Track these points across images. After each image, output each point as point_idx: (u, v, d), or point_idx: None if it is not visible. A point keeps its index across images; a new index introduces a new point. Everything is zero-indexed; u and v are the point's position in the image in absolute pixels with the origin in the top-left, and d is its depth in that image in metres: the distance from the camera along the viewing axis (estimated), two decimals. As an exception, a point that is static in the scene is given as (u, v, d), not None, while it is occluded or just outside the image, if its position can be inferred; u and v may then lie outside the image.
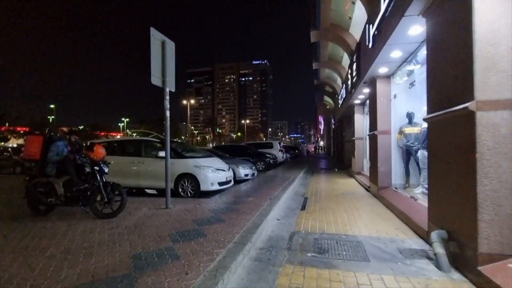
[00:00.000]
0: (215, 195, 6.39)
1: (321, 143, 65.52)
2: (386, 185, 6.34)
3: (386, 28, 4.51)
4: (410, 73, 5.56)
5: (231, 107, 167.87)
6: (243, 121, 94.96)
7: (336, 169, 14.26)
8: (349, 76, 9.03)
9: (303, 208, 5.55)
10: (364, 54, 6.62)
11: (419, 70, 5.21)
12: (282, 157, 17.03)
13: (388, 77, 6.37)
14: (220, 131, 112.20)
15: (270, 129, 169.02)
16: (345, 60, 13.80)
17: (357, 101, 10.00)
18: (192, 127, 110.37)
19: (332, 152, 27.58)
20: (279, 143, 17.64)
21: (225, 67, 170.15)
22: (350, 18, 9.75)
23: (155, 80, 4.57)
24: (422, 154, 5.41)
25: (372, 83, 6.71)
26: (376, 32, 4.83)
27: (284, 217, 4.83)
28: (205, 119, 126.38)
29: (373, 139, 6.72)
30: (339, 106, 13.73)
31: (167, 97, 4.76)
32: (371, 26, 5.30)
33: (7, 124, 45.02)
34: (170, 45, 4.97)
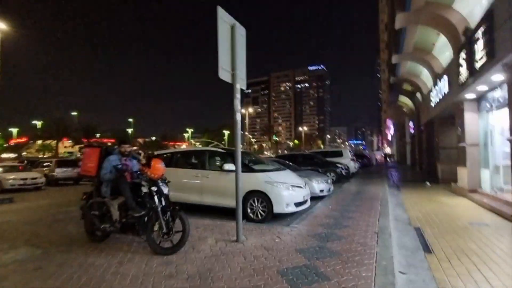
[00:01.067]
0: (293, 220, 5.08)
1: (387, 150, 58.74)
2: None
3: None
4: None
5: (287, 115, 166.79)
6: (300, 128, 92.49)
7: (428, 183, 11.47)
8: (462, 62, 6.77)
9: (427, 249, 3.78)
10: (507, 24, 4.53)
11: None
12: (355, 167, 14.80)
13: (557, 51, 4.17)
14: (277, 139, 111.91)
15: (328, 136, 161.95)
16: (439, 48, 11.13)
17: (470, 96, 7.53)
18: (249, 136, 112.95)
19: (411, 162, 23.61)
20: (350, 151, 15.45)
21: (281, 75, 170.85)
22: (458, -13, 7.47)
23: (224, 74, 3.53)
24: None
25: (522, 64, 4.54)
26: None
27: (408, 266, 3.18)
28: (262, 127, 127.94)
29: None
30: (432, 105, 11.06)
31: (238, 96, 3.69)
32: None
33: (98, 135, 51.83)
34: (241, 31, 3.93)
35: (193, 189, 6.23)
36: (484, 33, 5.38)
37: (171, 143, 64.13)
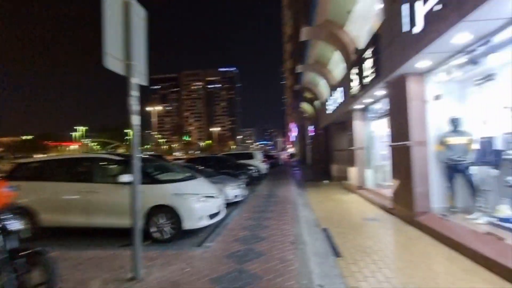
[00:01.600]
0: (206, 236, 4.54)
1: (291, 150, 65.63)
2: (424, 209, 5.02)
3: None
4: (461, 67, 4.33)
5: (199, 115, 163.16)
6: (212, 129, 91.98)
7: (326, 181, 13.03)
8: (354, 77, 7.82)
9: (336, 252, 3.94)
10: (389, 47, 5.35)
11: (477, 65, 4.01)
12: (265, 169, 15.43)
13: (421, 75, 5.14)
14: (188, 138, 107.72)
15: (239, 137, 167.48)
16: (334, 63, 12.79)
17: (358, 106, 8.83)
18: (158, 135, 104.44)
19: (311, 161, 26.71)
20: (261, 153, 16.04)
21: (191, 73, 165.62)
22: (348, 12, 8.61)
23: (112, 62, 2.65)
24: (486, 171, 4.15)
25: (398, 83, 5.43)
26: (440, 7, 3.51)
27: (324, 277, 3.15)
28: (171, 127, 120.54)
29: (402, 152, 5.40)
30: (328, 112, 12.62)
31: (135, 93, 2.87)
32: (417, 3, 3.98)
33: None
34: (139, 12, 3.11)
35: (77, 208, 4.85)
36: (372, 54, 6.26)
37: (53, 144, 52.32)
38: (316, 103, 20.02)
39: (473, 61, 3.90)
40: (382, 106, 7.36)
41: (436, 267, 3.36)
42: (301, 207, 6.96)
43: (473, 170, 4.46)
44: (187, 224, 4.55)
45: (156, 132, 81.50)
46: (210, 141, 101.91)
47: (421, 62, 4.62)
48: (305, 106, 24.82)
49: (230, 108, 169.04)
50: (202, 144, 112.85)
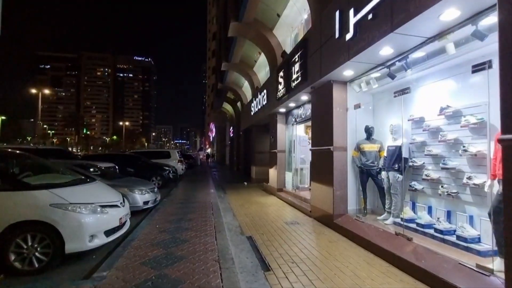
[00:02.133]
0: (101, 258, 3.42)
1: (209, 151, 64.62)
2: (341, 211, 5.25)
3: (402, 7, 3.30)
4: (376, 81, 4.69)
5: (104, 106, 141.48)
6: (120, 123, 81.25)
7: (246, 183, 12.94)
8: (281, 80, 7.84)
9: (265, 265, 3.55)
10: (317, 53, 5.43)
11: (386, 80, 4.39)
12: (182, 169, 14.20)
13: (345, 83, 5.40)
14: (88, 132, 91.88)
15: (153, 134, 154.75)
16: (259, 65, 12.87)
17: (282, 109, 8.96)
18: (44, 126, 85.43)
19: (230, 162, 26.54)
20: (178, 152, 14.71)
21: (96, 56, 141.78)
22: (279, 15, 8.67)
23: None
24: (393, 176, 4.56)
25: (324, 89, 5.58)
26: (370, 17, 3.59)
27: (255, 301, 2.66)
28: (66, 117, 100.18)
29: (324, 156, 5.56)
30: (251, 114, 12.59)
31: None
32: (352, 11, 4.06)
33: None
34: None
35: None
36: (299, 58, 6.31)
37: None
38: (239, 104, 19.98)
39: (391, 75, 4.22)
40: (304, 111, 7.61)
41: (360, 272, 3.36)
42: (223, 213, 6.40)
43: (383, 175, 4.88)
44: (72, 247, 3.31)
45: (41, 122, 66.33)
46: (116, 137, 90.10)
47: (348, 71, 4.79)
48: (227, 107, 24.55)
49: (144, 101, 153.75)
50: (107, 139, 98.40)
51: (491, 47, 3.03)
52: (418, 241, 3.60)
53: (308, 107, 7.38)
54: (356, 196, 5.43)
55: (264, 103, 10.18)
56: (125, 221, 4.31)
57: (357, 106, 5.10)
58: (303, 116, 7.82)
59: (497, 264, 2.65)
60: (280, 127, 9.46)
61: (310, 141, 9.48)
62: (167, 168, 11.48)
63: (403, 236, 3.77)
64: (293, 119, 8.63)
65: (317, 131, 6.07)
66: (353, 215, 5.13)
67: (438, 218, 3.73)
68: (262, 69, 13.10)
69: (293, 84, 6.75)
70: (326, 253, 4.01)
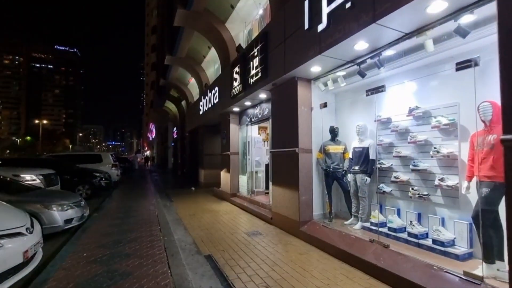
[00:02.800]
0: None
1: (148, 153, 59.76)
2: (307, 218, 4.91)
3: None
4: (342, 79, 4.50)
5: (14, 100, 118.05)
6: (36, 121, 68.60)
7: (193, 188, 11.90)
8: (235, 76, 7.21)
9: (235, 295, 2.87)
10: (281, 46, 4.99)
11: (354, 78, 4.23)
12: (117, 175, 12.28)
13: (309, 81, 5.10)
14: (-11, 132, 75.22)
15: (80, 134, 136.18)
16: (208, 61, 12.00)
17: (236, 109, 8.33)
18: None
19: (173, 166, 24.59)
20: (112, 155, 12.69)
21: (2, 42, 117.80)
22: (233, 7, 8.05)
23: None
24: (361, 179, 4.40)
25: (288, 87, 5.19)
26: (348, 5, 3.27)
27: None
28: (-44, 113, 79.76)
29: (287, 159, 5.15)
30: (200, 113, 11.61)
31: None
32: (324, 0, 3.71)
33: None
34: None
35: None
36: (259, 52, 5.80)
37: None
38: (184, 103, 18.62)
39: (361, 73, 4.03)
40: (261, 110, 7.15)
41: (343, 290, 2.98)
42: (172, 227, 5.43)
43: (349, 177, 4.71)
44: None
45: None
46: (30, 138, 76.29)
47: (316, 67, 4.47)
48: (170, 106, 22.74)
49: (67, 97, 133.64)
50: (17, 140, 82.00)
51: (470, 45, 2.99)
52: (394, 247, 3.41)
53: (265, 106, 6.95)
54: (321, 201, 5.17)
55: (215, 102, 9.40)
56: (34, 254, 3.10)
57: (323, 106, 4.84)
58: (259, 116, 7.35)
59: (486, 270, 2.54)
60: (233, 127, 8.82)
61: (267, 143, 9.14)
62: (97, 174, 9.66)
63: (378, 243, 3.55)
64: (248, 119, 8.10)
65: (278, 131, 5.64)
66: (319, 221, 4.84)
67: (411, 222, 3.63)
68: (211, 66, 12.27)
69: (251, 81, 6.21)
70: (300, 268, 3.54)
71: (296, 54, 4.57)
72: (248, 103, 7.48)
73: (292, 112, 5.06)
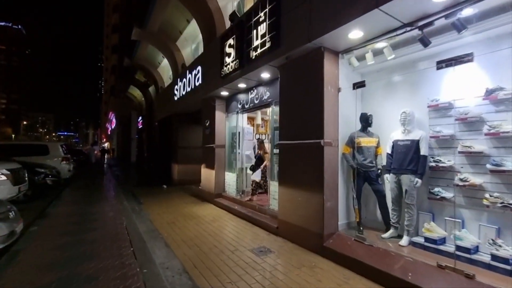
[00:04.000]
0: None
1: (106, 145, 54.73)
2: (332, 229, 3.83)
3: None
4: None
5: None
6: (-33, 106, 58.46)
7: (165, 186, 10.26)
8: (227, 51, 5.82)
9: None
10: (306, 4, 3.77)
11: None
12: (69, 170, 10.07)
13: (337, 54, 3.97)
14: None
15: (25, 123, 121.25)
16: (186, 38, 10.29)
17: (224, 92, 6.93)
18: None
19: (137, 159, 22.11)
20: (62, 146, 10.38)
21: None
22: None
23: None
24: (409, 181, 3.41)
25: (309, 60, 4.01)
26: None
27: None
28: None
29: (307, 154, 4.00)
30: (175, 99, 9.91)
31: None
32: None
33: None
34: None
35: None
36: (269, 15, 4.51)
37: None
38: (152, 89, 16.50)
39: (424, 40, 2.99)
40: (258, 95, 5.89)
41: None
42: (149, 244, 3.99)
43: (388, 178, 3.71)
44: None
45: None
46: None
47: (356, 31, 3.33)
48: (135, 92, 20.24)
49: (9, 80, 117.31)
50: None
51: None
52: (482, 278, 2.47)
53: (264, 90, 5.71)
54: (345, 207, 4.13)
55: (196, 84, 7.87)
56: None
57: (357, 86, 3.74)
58: (255, 102, 6.08)
59: None
60: (219, 115, 7.42)
61: (261, 135, 7.92)
62: (41, 170, 7.59)
63: (456, 272, 2.58)
64: (239, 106, 6.78)
65: (289, 119, 4.44)
66: (347, 233, 3.79)
67: (494, 240, 2.71)
68: (188, 45, 10.58)
69: (254, 54, 4.90)
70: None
71: (331, 14, 3.38)
72: (242, 85, 6.15)
73: (314, 94, 3.90)
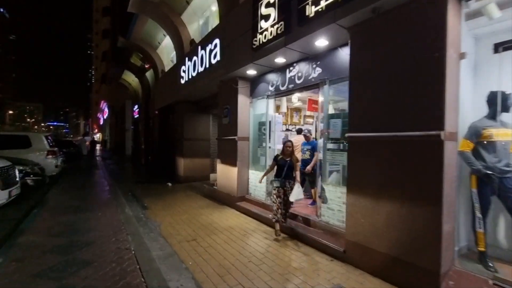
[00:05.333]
0: None
1: (97, 136, 52.65)
2: (448, 264, 2.58)
3: None
4: None
5: None
6: None
7: (169, 184, 8.91)
8: (263, 12, 4.41)
9: None
10: None
11: None
12: (56, 166, 8.55)
13: (459, 1, 2.63)
14: None
15: (10, 112, 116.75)
16: (194, 11, 8.73)
17: (250, 72, 5.52)
18: None
19: (133, 152, 20.53)
20: (47, 137, 8.83)
21: None
22: None
23: None
24: None
25: (415, 11, 2.67)
26: None
27: None
28: None
29: (410, 153, 2.69)
30: (182, 83, 8.43)
31: None
32: None
33: None
34: None
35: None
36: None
37: None
38: (149, 74, 14.87)
39: None
40: (301, 72, 4.51)
41: None
42: (169, 282, 2.67)
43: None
44: None
45: None
46: None
47: None
48: (129, 78, 18.52)
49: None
50: None
51: None
52: None
53: (309, 66, 4.36)
54: (460, 228, 2.87)
55: (212, 62, 6.41)
56: None
57: (506, 47, 2.41)
58: (297, 82, 4.72)
59: None
60: (243, 101, 6.03)
61: (292, 127, 6.58)
62: (20, 167, 6.12)
63: None
64: (270, 88, 5.40)
65: (373, 100, 3.10)
66: (467, 268, 2.55)
67: None
68: (195, 19, 9.04)
69: (315, 9, 3.49)
70: None
71: None
72: (280, 60, 4.75)
73: (425, 62, 2.57)
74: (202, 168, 9.55)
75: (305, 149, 5.33)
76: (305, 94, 6.58)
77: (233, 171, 6.07)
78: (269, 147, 5.54)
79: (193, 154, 9.35)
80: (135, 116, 18.86)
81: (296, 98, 7.03)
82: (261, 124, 5.78)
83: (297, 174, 4.19)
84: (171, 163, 10.39)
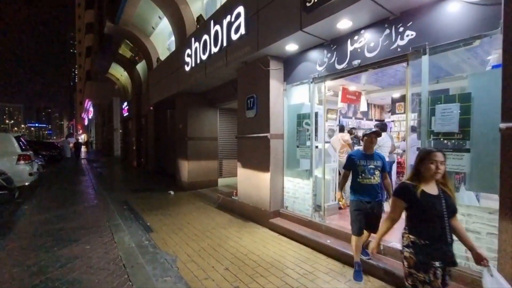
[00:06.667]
0: None
1: (82, 137, 50.00)
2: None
3: None
4: None
5: None
6: None
7: (172, 192, 7.43)
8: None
9: None
10: None
11: None
12: (31, 173, 6.89)
13: None
14: None
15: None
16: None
17: (292, 46, 4.14)
18: None
19: (122, 153, 18.71)
20: (20, 138, 7.17)
21: None
22: None
23: None
24: None
25: None
26: None
27: None
28: None
29: None
30: (186, 70, 6.96)
31: None
32: None
33: None
34: None
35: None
36: None
37: None
38: (140, 66, 13.26)
39: None
40: (373, 41, 3.18)
41: None
42: None
43: None
44: None
45: None
46: None
47: None
48: (117, 72, 16.76)
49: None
50: None
51: None
52: None
53: (382, 35, 3.05)
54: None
55: (233, 39, 4.97)
56: None
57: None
58: (367, 55, 3.37)
59: None
60: (276, 87, 4.64)
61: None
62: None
63: None
64: (319, 69, 4.05)
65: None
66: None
67: None
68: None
69: None
70: None
71: None
72: (343, 25, 3.39)
73: None
74: (209, 172, 8.12)
75: (370, 167, 2.92)
76: (338, 82, 5.24)
77: (263, 178, 4.68)
78: (316, 147, 4.19)
79: (198, 156, 7.90)
80: (125, 115, 17.10)
81: (326, 88, 5.70)
82: (301, 118, 4.41)
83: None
84: (170, 167, 8.88)
